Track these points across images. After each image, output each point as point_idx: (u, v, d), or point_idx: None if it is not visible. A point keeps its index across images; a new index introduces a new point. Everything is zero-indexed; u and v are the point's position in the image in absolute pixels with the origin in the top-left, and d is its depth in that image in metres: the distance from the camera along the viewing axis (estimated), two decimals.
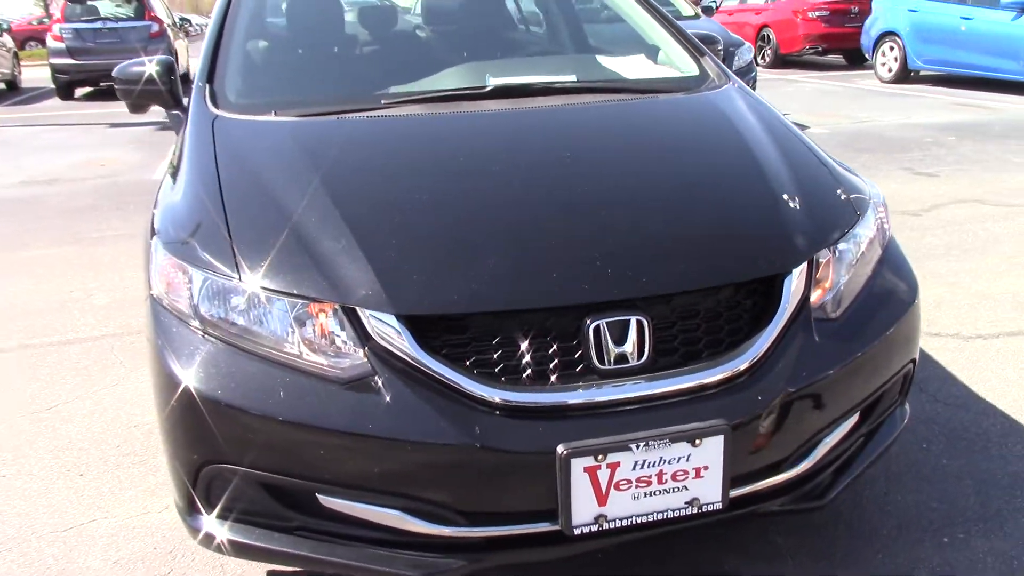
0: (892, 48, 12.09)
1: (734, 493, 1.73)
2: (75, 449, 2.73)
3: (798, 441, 1.81)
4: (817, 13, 14.22)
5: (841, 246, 1.95)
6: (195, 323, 1.77)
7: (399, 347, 1.65)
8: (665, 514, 1.68)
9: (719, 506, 1.70)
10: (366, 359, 1.67)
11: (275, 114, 2.33)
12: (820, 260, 1.90)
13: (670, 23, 3.04)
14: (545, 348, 1.68)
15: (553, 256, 1.75)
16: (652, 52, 2.96)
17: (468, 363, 1.66)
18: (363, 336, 1.67)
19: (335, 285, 1.70)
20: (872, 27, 12.55)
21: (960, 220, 5.01)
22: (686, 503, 1.68)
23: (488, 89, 2.49)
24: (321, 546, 1.74)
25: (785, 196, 1.99)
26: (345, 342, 1.69)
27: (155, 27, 12.76)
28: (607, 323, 1.68)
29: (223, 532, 1.78)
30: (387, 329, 1.65)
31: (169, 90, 2.81)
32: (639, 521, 1.67)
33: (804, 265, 1.85)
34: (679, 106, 2.50)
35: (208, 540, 1.80)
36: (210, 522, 1.79)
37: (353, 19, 3.27)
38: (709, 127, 2.35)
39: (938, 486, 2.38)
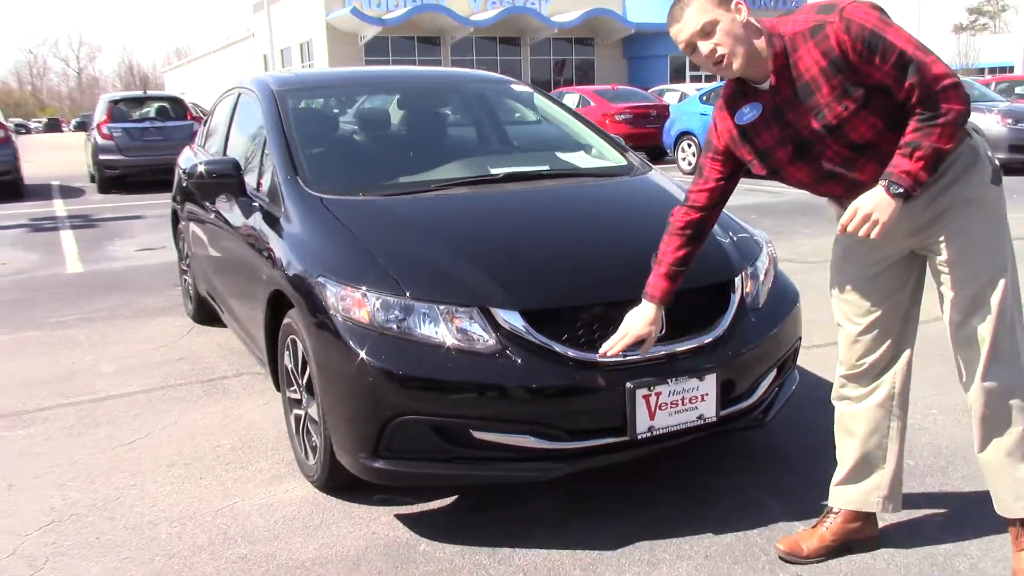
0: (690, 145, 14.25)
1: (721, 413, 2.81)
2: (181, 465, 3.42)
3: (749, 381, 2.93)
4: (622, 116, 16.38)
5: (756, 265, 3.14)
6: (374, 326, 2.67)
7: (520, 331, 2.64)
8: (686, 424, 2.73)
9: (714, 419, 2.78)
10: (497, 341, 2.64)
11: (362, 195, 3.28)
12: (745, 274, 3.07)
13: (596, 129, 4.25)
14: (606, 327, 2.72)
15: (604, 272, 2.83)
16: (588, 148, 4.14)
17: (563, 338, 2.67)
18: (494, 325, 2.65)
19: (474, 294, 2.68)
20: (672, 128, 14.76)
21: None
22: (697, 417, 2.74)
23: (500, 176, 3.56)
24: (473, 466, 2.66)
25: (723, 237, 3.17)
26: (479, 331, 2.65)
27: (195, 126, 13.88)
28: None
29: (399, 467, 2.66)
30: (512, 320, 2.64)
31: (238, 183, 3.67)
32: (673, 430, 2.71)
33: (741, 275, 3.01)
34: (630, 184, 3.68)
35: (383, 474, 2.68)
36: (388, 461, 2.66)
37: (371, 120, 4.27)
38: (657, 196, 3.52)
39: (819, 429, 3.56)
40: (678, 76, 39.22)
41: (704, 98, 14.38)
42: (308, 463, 3.15)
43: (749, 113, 2.36)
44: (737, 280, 2.99)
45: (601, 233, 3.16)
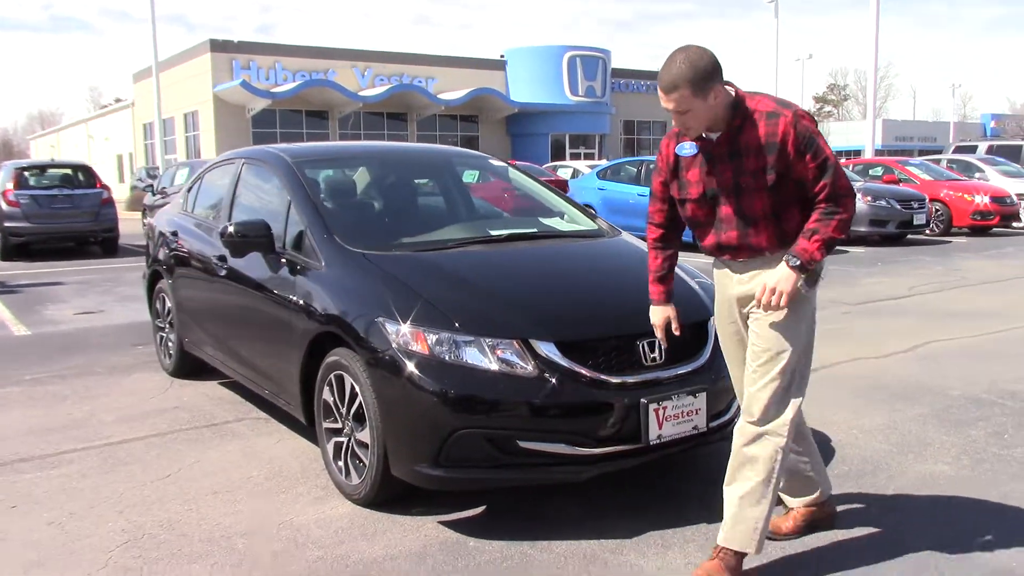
0: None
1: (710, 425, 3.47)
2: (224, 492, 3.80)
3: (725, 402, 3.61)
4: None
5: None
6: (433, 356, 3.22)
7: (555, 358, 3.24)
8: (685, 434, 3.38)
9: (704, 430, 3.44)
10: (535, 367, 3.23)
11: (393, 250, 3.84)
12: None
13: (565, 197, 4.95)
14: (621, 354, 3.36)
15: (616, 311, 3.48)
16: (561, 214, 4.82)
17: (589, 363, 3.29)
18: (532, 354, 3.24)
19: (514, 329, 3.28)
20: None
21: None
22: (693, 428, 3.40)
23: (503, 236, 4.19)
24: (518, 471, 3.22)
25: (695, 285, 3.88)
26: (517, 359, 3.24)
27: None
28: (647, 341, 3.40)
29: (455, 474, 3.20)
30: (548, 349, 3.25)
31: (269, 241, 4.16)
32: (675, 438, 3.35)
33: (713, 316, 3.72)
34: (612, 243, 4.37)
35: (442, 480, 3.21)
36: (446, 469, 3.19)
37: (378, 188, 4.83)
38: (637, 253, 4.21)
39: None
40: (559, 153, 41.07)
41: (600, 175, 15.48)
42: (350, 483, 3.60)
43: (688, 150, 2.93)
44: (711, 320, 3.69)
45: (606, 280, 3.85)
